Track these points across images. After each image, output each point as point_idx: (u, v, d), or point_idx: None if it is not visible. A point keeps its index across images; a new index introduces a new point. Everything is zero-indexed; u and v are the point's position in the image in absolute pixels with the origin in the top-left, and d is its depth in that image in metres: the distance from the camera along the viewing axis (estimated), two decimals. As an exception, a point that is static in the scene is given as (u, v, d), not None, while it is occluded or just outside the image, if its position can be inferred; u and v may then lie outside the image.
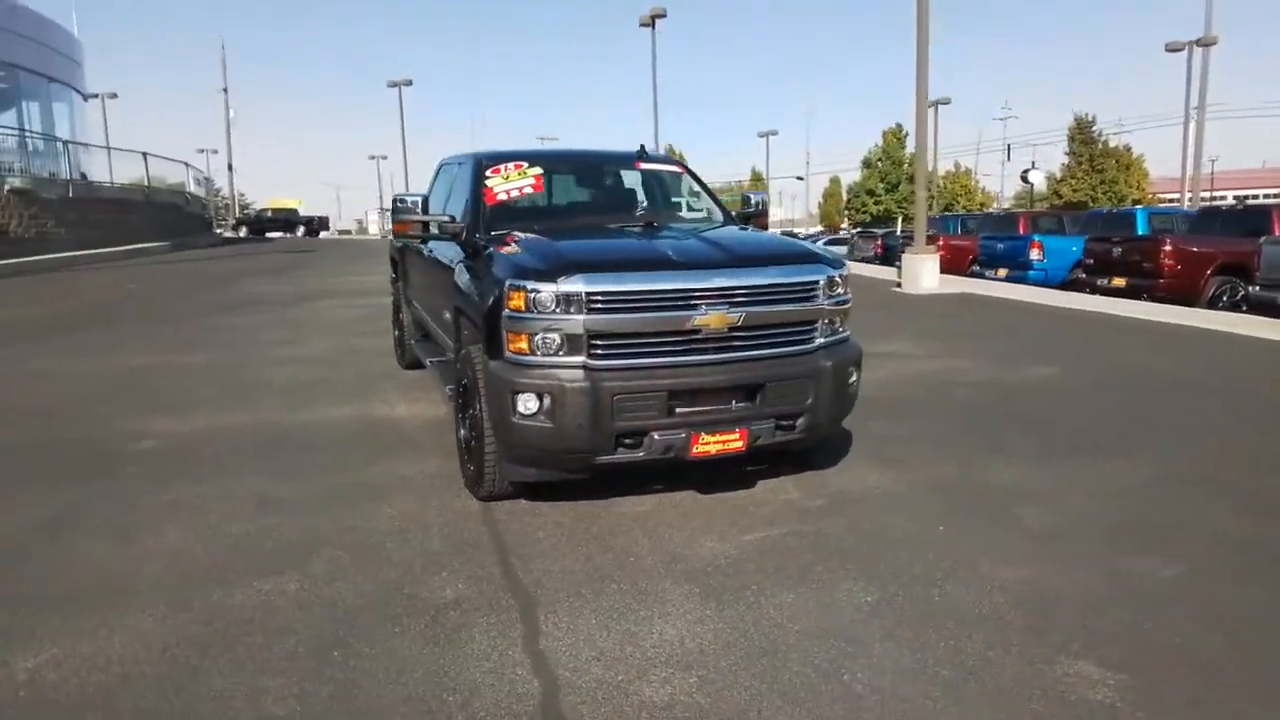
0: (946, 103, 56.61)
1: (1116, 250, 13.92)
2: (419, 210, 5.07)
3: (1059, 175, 57.57)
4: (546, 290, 3.90)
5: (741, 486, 4.69)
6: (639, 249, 4.56)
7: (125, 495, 4.67)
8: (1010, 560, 3.74)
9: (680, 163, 5.93)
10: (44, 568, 3.77)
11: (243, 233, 49.97)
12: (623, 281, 3.97)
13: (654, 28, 39.57)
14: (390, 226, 6.15)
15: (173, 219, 31.81)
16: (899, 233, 27.94)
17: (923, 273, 14.82)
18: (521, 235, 4.62)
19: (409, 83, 54.92)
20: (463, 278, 4.82)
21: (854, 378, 4.50)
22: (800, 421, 4.28)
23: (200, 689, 2.80)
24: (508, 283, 3.98)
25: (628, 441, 4.00)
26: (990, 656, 2.96)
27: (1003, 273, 16.92)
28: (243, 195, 72.21)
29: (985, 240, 18.36)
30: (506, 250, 4.34)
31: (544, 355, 3.94)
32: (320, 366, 8.15)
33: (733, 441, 4.10)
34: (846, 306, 4.50)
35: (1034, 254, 16.37)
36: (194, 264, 23.18)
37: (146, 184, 29.38)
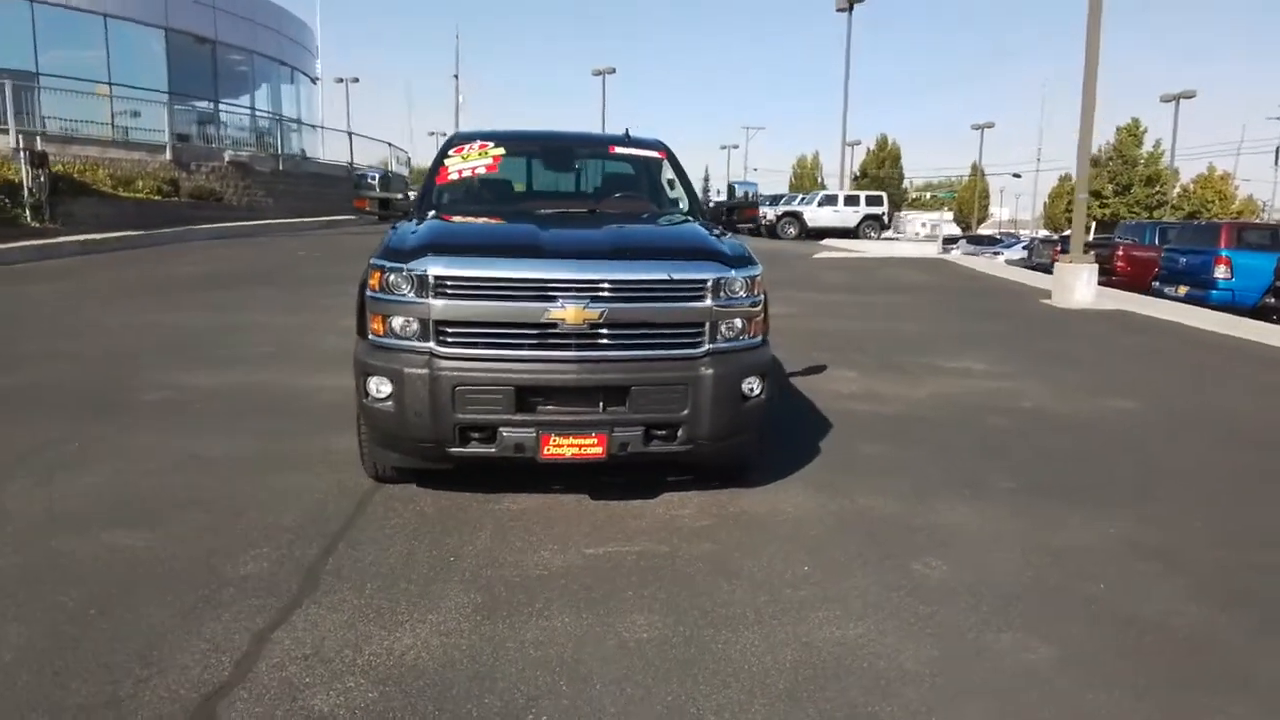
0: (1190, 96, 50.46)
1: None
2: (376, 188, 5.10)
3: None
4: (399, 272, 3.80)
5: (642, 496, 4.37)
6: (513, 235, 4.34)
7: (86, 440, 5.09)
8: (848, 617, 3.22)
9: (664, 149, 5.57)
10: (-43, 497, 4.18)
11: None
12: (473, 267, 3.79)
13: (850, 11, 38.12)
14: None
15: (372, 194, 34.64)
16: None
17: (1076, 285, 13.22)
18: (433, 216, 4.54)
19: (612, 70, 56.51)
20: None
21: (755, 390, 4.05)
22: (680, 432, 3.91)
23: (-55, 626, 2.97)
24: (370, 262, 3.92)
25: (477, 435, 3.83)
26: (708, 724, 2.56)
27: (1183, 291, 14.73)
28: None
29: (1168, 253, 16.05)
30: (400, 230, 4.28)
31: (397, 339, 3.84)
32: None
33: (590, 447, 3.81)
34: (748, 310, 4.04)
35: (1219, 271, 14.09)
36: (370, 237, 25.06)
37: (350, 161, 32.05)
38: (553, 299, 3.74)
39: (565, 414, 3.83)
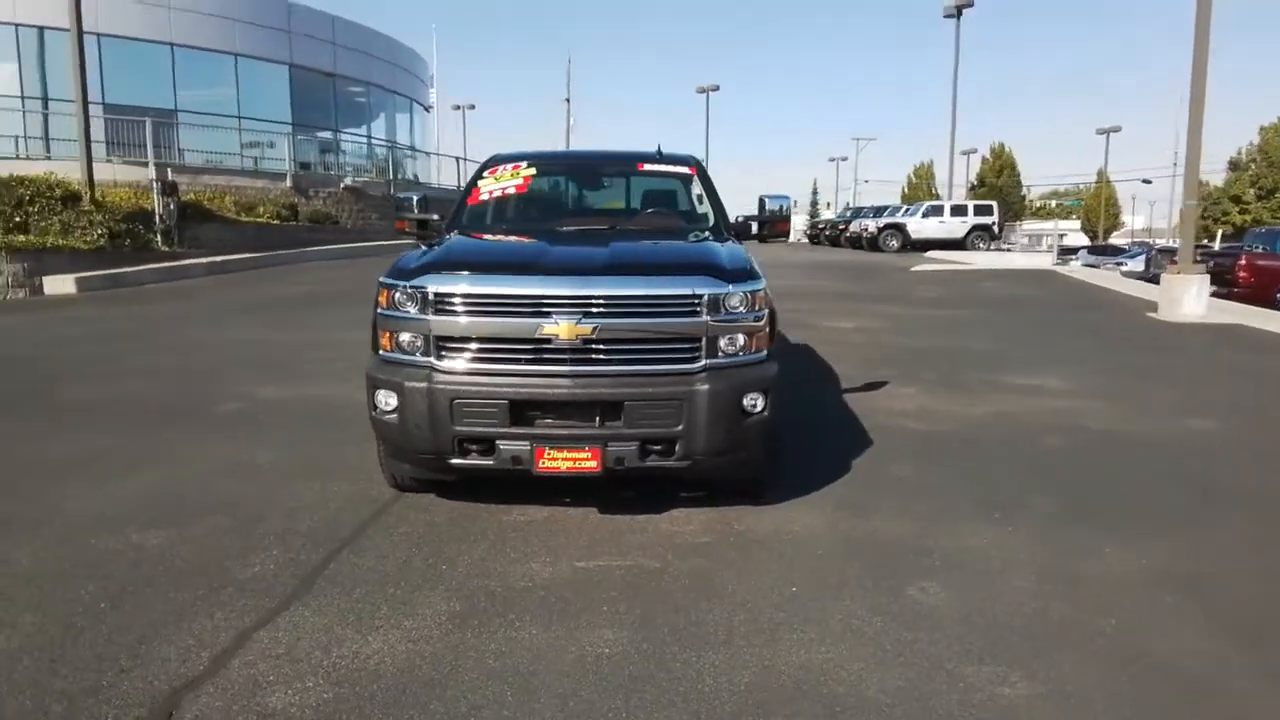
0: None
1: None
2: (413, 210, 5.31)
3: None
4: (403, 289, 3.95)
5: (650, 510, 4.36)
6: (515, 252, 4.41)
7: (154, 447, 5.49)
8: (822, 641, 3.11)
9: (694, 164, 5.55)
10: (18, 497, 4.58)
11: None
12: (469, 284, 3.89)
13: (959, 18, 36.92)
14: None
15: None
16: (1216, 248, 23.36)
17: (1184, 297, 12.32)
18: (457, 235, 4.68)
19: (716, 88, 56.63)
20: None
21: (757, 406, 3.97)
22: (677, 448, 3.89)
23: (-25, 613, 3.26)
24: (379, 280, 4.08)
25: (475, 448, 3.92)
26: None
27: (1314, 303, 13.50)
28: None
29: (1299, 261, 14.75)
30: (418, 250, 4.44)
31: (403, 354, 3.99)
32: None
33: (585, 460, 3.83)
34: (750, 325, 3.98)
35: (1357, 281, 12.82)
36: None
37: (458, 184, 33.22)
38: (546, 314, 3.80)
39: (559, 428, 3.87)
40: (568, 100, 61.24)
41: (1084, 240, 56.53)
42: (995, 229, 31.93)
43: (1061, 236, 49.44)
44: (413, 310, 3.93)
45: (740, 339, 3.98)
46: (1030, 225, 63.41)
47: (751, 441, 4.07)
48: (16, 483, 4.79)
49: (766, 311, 4.07)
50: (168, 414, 6.37)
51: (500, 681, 2.84)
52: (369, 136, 32.71)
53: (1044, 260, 26.96)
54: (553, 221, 5.22)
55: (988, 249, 30.78)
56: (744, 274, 4.04)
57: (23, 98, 22.93)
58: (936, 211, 32.14)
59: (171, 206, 18.22)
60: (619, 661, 2.96)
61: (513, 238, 4.64)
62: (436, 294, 3.87)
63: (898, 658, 2.99)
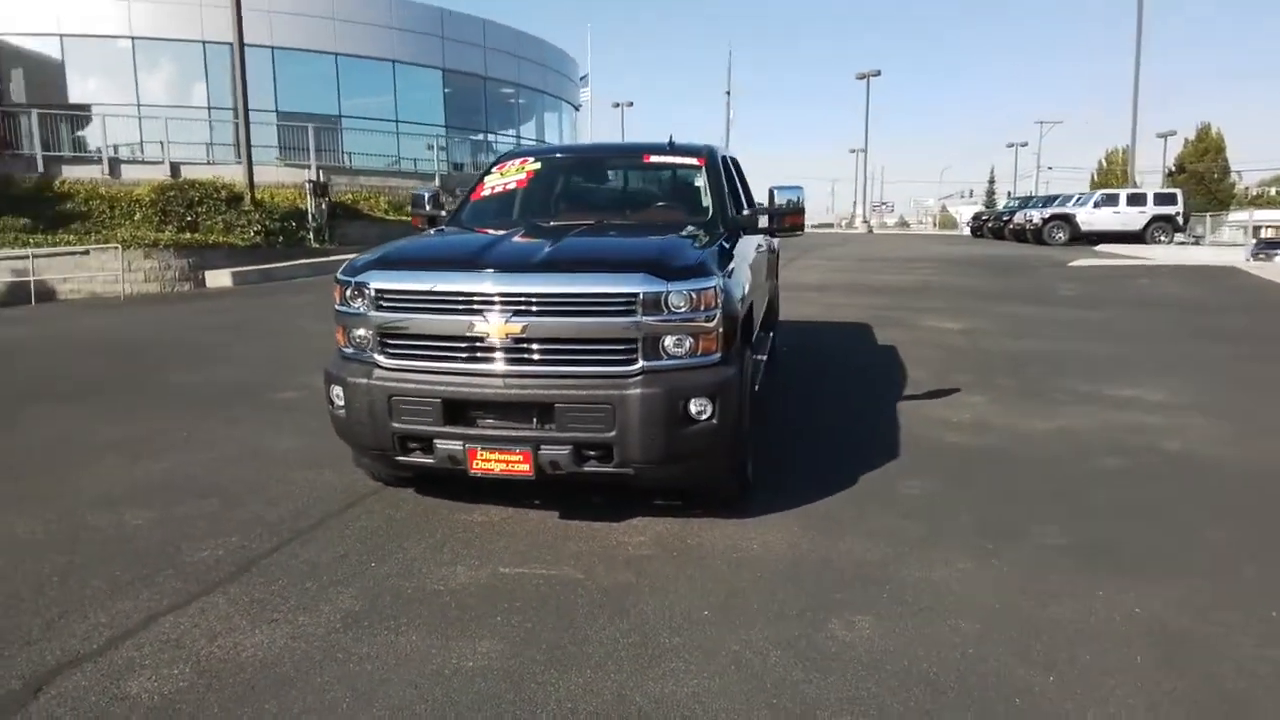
0: None
1: None
2: (425, 205, 5.39)
3: None
4: (352, 285, 3.99)
5: (610, 518, 4.20)
6: (462, 247, 4.31)
7: (194, 430, 5.88)
8: (699, 673, 2.85)
9: (704, 155, 5.25)
10: (48, 474, 5.01)
11: None
12: (405, 280, 3.87)
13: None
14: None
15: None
16: None
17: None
18: (452, 230, 4.74)
19: (877, 73, 54.53)
20: None
21: (704, 412, 3.72)
22: (615, 454, 3.71)
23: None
24: (335, 276, 4.14)
25: (416, 445, 3.90)
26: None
27: None
28: (738, 190, 78.30)
29: None
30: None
31: (354, 349, 4.04)
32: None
33: (517, 463, 3.73)
34: (698, 325, 3.71)
35: None
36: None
37: (603, 179, 33.76)
38: (478, 312, 3.72)
39: (498, 429, 3.78)
40: (728, 93, 60.79)
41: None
42: (1180, 220, 28.77)
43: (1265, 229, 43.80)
44: (359, 306, 3.97)
45: (688, 341, 3.74)
46: (1237, 216, 56.83)
47: (699, 450, 3.81)
48: (56, 460, 5.26)
49: (719, 312, 3.79)
50: (231, 399, 6.82)
51: (346, 687, 2.80)
52: (518, 136, 33.85)
53: (1234, 256, 24.00)
54: (544, 216, 5.13)
55: (1170, 242, 27.84)
56: (689, 272, 3.77)
57: (209, 108, 25.35)
58: (1110, 201, 29.34)
59: (323, 206, 19.62)
60: (473, 677, 2.85)
61: (488, 232, 4.58)
62: (378, 290, 3.89)
63: (770, 700, 2.70)
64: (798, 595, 3.41)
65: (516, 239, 4.31)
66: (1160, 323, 11.02)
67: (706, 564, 3.71)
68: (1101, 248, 25.98)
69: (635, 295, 3.64)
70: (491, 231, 4.63)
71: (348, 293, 4.02)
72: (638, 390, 3.63)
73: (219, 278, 16.53)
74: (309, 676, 2.86)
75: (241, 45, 18.74)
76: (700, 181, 5.21)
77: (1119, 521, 4.18)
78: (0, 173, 19.23)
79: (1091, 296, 13.66)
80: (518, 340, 3.69)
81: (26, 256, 14.49)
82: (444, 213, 5.34)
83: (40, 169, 20.07)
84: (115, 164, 21.34)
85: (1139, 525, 4.13)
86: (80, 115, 22.51)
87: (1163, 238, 28.11)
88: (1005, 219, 35.02)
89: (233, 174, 19.88)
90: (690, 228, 4.59)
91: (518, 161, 5.42)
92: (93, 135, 22.71)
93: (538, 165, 5.40)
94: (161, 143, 22.28)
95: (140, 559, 3.79)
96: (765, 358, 5.94)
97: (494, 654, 2.99)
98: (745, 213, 5.04)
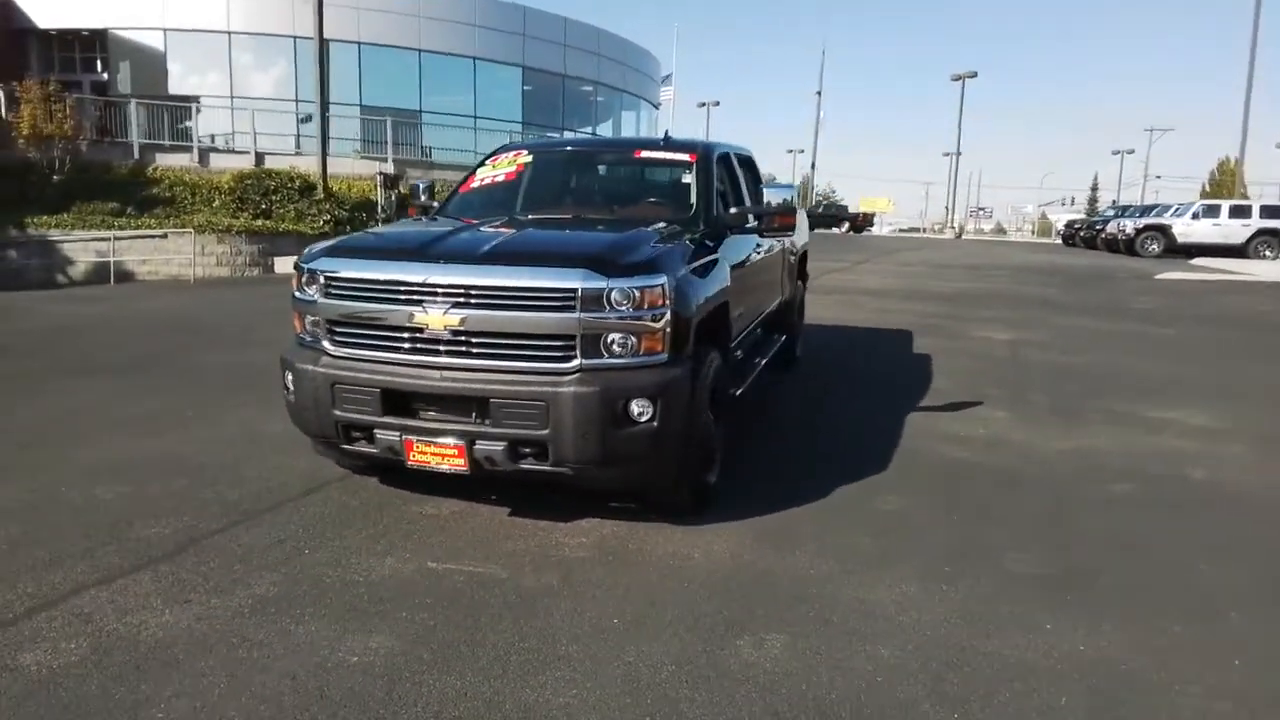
0: None
1: None
2: (420, 197, 5.40)
3: None
4: (306, 272, 4.00)
5: (559, 518, 4.10)
6: (413, 238, 4.23)
7: (202, 411, 6.04)
8: (579, 684, 2.72)
9: (696, 151, 5.06)
10: (45, 447, 5.20)
11: None
12: (349, 268, 3.85)
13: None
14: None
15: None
16: None
17: None
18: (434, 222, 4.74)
19: (974, 74, 52.86)
20: None
21: (644, 413, 3.57)
22: (550, 452, 3.61)
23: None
24: (293, 262, 4.16)
25: (359, 434, 3.88)
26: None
27: None
28: (833, 192, 77.57)
29: None
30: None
31: (306, 336, 4.04)
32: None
33: (451, 457, 3.66)
34: (643, 324, 3.57)
35: None
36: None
37: (677, 178, 33.61)
38: (418, 303, 3.67)
39: (433, 421, 3.73)
40: (819, 93, 59.76)
41: None
42: (1290, 233, 26.80)
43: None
44: (310, 293, 3.97)
45: (632, 339, 3.60)
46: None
47: (640, 454, 3.67)
48: (65, 434, 5.47)
49: (666, 310, 3.63)
50: (248, 381, 6.98)
51: (226, 674, 2.77)
52: (593, 133, 33.99)
53: (1348, 272, 22.22)
54: (527, 209, 5.03)
55: (1275, 258, 25.98)
56: (635, 269, 3.63)
57: (296, 101, 26.29)
58: (1211, 212, 27.56)
59: (392, 197, 20.09)
60: (353, 672, 2.79)
61: (461, 222, 4.53)
62: (327, 277, 3.88)
63: (643, 716, 2.55)
64: (719, 609, 3.24)
65: (477, 230, 4.24)
66: (1234, 343, 10.25)
67: (639, 571, 3.57)
68: (1196, 261, 24.48)
69: (574, 291, 3.52)
70: (464, 221, 4.58)
71: (303, 279, 4.02)
72: (571, 388, 3.51)
73: (286, 264, 17.09)
74: (195, 660, 2.85)
75: (322, 40, 19.36)
76: (689, 178, 5.05)
77: (1104, 552, 3.85)
78: (99, 159, 20.36)
79: (1167, 311, 12.83)
80: (456, 332, 3.63)
81: (108, 239, 15.29)
82: (436, 204, 5.34)
83: (136, 156, 21.17)
84: (205, 153, 22.37)
85: (1125, 557, 3.79)
86: (177, 106, 23.63)
87: (1268, 253, 26.27)
88: (1098, 228, 33.42)
89: (309, 164, 20.56)
90: (663, 224, 4.44)
91: (510, 154, 5.37)
92: (187, 125, 23.86)
93: (529, 158, 5.33)
94: (250, 133, 23.27)
95: (91, 533, 3.87)
96: (763, 361, 5.73)
97: (383, 650, 2.93)
98: (732, 211, 4.85)
